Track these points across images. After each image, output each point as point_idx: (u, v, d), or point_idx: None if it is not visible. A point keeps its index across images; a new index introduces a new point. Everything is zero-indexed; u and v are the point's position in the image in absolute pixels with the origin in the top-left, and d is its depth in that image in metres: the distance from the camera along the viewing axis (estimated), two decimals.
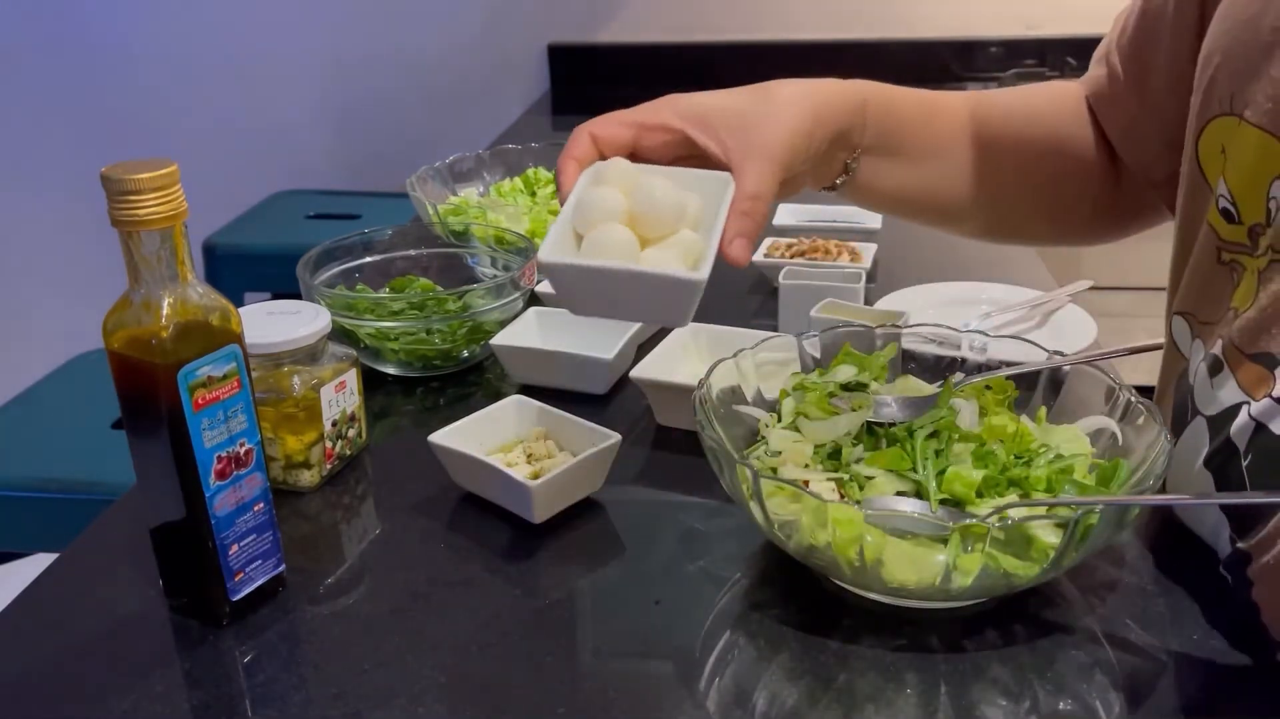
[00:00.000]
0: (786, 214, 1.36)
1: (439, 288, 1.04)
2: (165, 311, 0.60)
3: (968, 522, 0.59)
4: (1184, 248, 0.71)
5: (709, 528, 0.75)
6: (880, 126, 0.77)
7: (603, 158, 0.68)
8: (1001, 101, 0.85)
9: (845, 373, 0.76)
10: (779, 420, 0.75)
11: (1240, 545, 0.62)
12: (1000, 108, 0.85)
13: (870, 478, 0.67)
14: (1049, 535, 0.60)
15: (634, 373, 0.88)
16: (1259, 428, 0.61)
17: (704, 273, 0.61)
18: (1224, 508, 0.65)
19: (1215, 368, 0.64)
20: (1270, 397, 0.60)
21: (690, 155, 0.69)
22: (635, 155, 0.69)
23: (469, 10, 2.35)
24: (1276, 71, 0.61)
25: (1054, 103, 0.84)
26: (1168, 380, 0.72)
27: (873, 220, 1.33)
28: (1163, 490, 0.64)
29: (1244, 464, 0.62)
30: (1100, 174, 0.84)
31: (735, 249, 0.64)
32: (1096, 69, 0.83)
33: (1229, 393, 0.63)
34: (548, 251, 0.62)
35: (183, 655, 0.64)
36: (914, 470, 0.66)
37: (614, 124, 0.69)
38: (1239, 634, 0.62)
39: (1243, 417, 0.62)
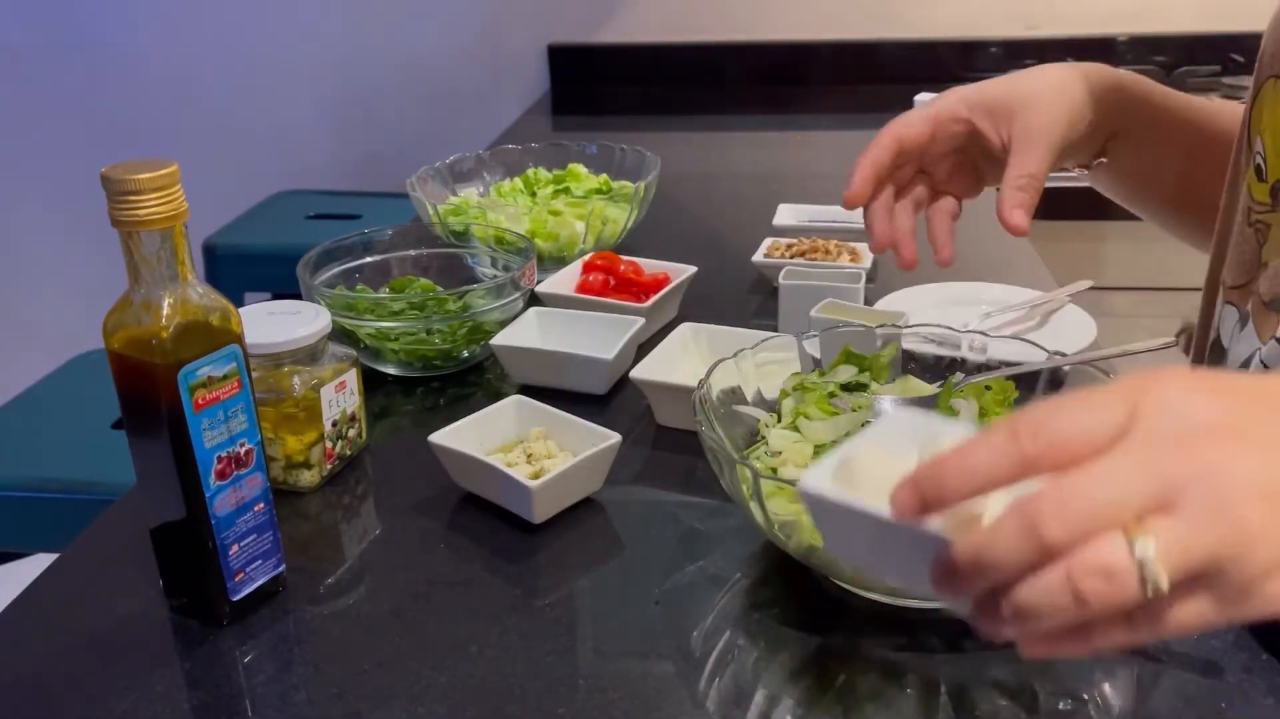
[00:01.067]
0: (786, 214, 1.36)
1: (439, 288, 1.04)
2: (165, 312, 0.60)
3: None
4: (1227, 218, 0.72)
5: (709, 528, 0.75)
6: (1136, 114, 0.81)
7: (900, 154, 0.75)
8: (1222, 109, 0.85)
9: (845, 373, 0.76)
10: (779, 420, 0.75)
11: None
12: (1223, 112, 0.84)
13: None
14: None
15: (634, 373, 0.88)
16: (1264, 370, 0.61)
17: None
18: None
19: (1243, 322, 0.66)
20: (1275, 338, 0.61)
21: (972, 144, 0.77)
22: (929, 146, 0.76)
23: (469, 10, 2.35)
24: None
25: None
26: (1199, 356, 0.73)
27: None
28: None
29: None
30: None
31: (1015, 217, 0.71)
32: None
33: (1247, 344, 0.64)
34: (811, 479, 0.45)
35: (183, 655, 0.64)
36: None
37: (916, 123, 0.74)
38: (1239, 634, 0.62)
39: (1255, 363, 0.63)
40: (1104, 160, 0.82)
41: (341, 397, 0.82)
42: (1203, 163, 0.82)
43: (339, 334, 0.95)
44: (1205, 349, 0.73)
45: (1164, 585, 0.37)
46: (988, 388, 0.74)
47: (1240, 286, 0.68)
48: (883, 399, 0.74)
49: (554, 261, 1.21)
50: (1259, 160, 0.66)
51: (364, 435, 0.86)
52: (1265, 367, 0.62)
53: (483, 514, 0.77)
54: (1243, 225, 0.68)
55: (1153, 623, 0.38)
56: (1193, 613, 0.38)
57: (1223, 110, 0.84)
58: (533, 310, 1.01)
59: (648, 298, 1.06)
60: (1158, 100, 0.82)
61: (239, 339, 0.63)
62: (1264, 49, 0.68)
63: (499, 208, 1.26)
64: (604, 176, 1.38)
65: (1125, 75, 0.80)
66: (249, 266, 2.07)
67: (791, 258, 1.19)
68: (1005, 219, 0.72)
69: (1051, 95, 0.75)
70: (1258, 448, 0.38)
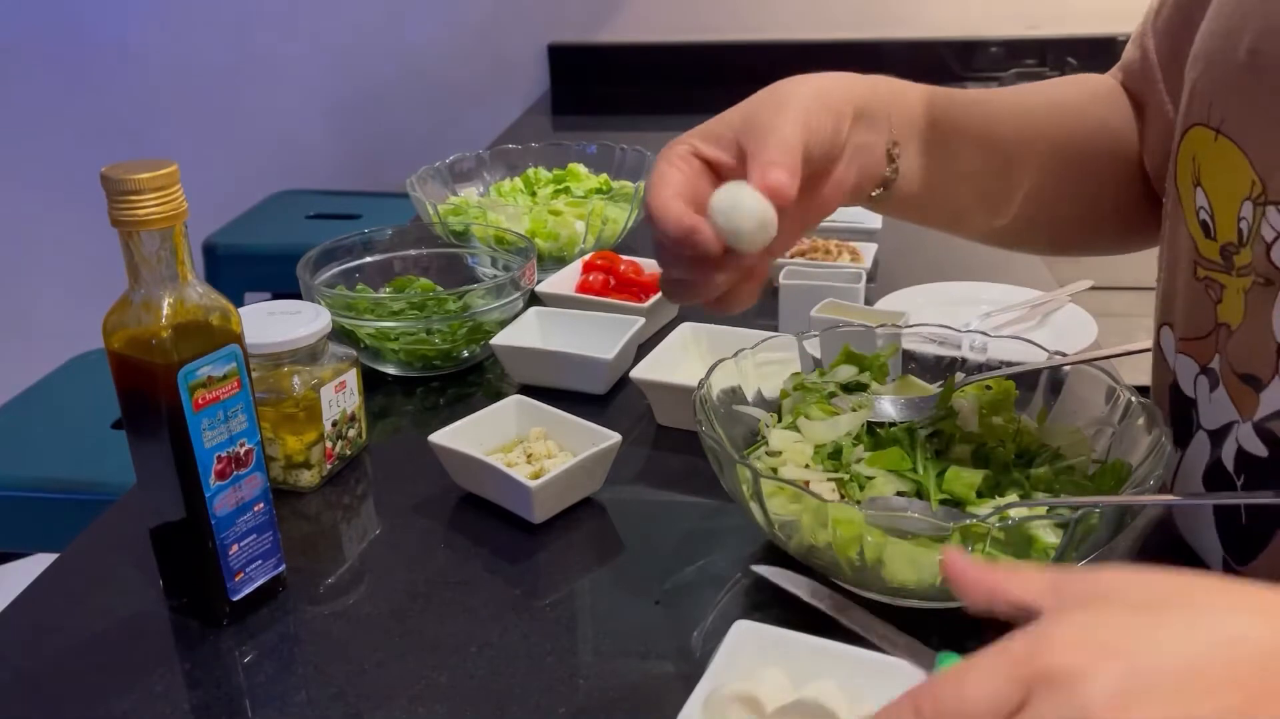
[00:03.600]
0: None
1: (439, 288, 1.04)
2: (165, 311, 0.60)
3: (968, 522, 0.59)
4: (1170, 256, 0.69)
5: (709, 528, 0.75)
6: (909, 113, 0.69)
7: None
8: (1031, 95, 0.77)
9: (845, 373, 0.76)
10: (779, 420, 0.75)
11: (1239, 570, 0.62)
12: (1030, 100, 0.77)
13: (870, 478, 0.67)
14: (1049, 535, 0.60)
15: (634, 373, 0.88)
16: (1243, 451, 0.61)
17: None
18: (1221, 533, 0.64)
19: (1213, 383, 0.64)
20: (1252, 421, 0.60)
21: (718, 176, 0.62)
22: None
23: (469, 10, 2.35)
24: (1250, 92, 0.59)
25: (1092, 94, 0.77)
26: (1159, 388, 0.72)
27: (873, 220, 1.33)
28: (1163, 492, 0.64)
29: (1238, 484, 0.62)
30: (1136, 173, 0.76)
31: (773, 176, 0.56)
32: (1131, 51, 0.77)
33: (1223, 410, 0.62)
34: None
35: (183, 655, 0.64)
36: (914, 470, 0.66)
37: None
38: None
39: (1231, 439, 0.61)
40: (893, 177, 0.68)
41: (341, 396, 0.82)
42: (996, 172, 0.73)
43: (339, 334, 0.95)
44: (1165, 384, 0.69)
45: None
46: (988, 388, 0.74)
47: (1193, 339, 0.65)
48: (883, 399, 0.74)
49: (554, 261, 1.21)
50: (1205, 216, 0.63)
51: (364, 435, 0.86)
52: (1239, 447, 0.60)
53: (483, 514, 0.77)
54: (1188, 274, 0.65)
55: None
56: None
57: (1002, 110, 0.74)
58: (533, 310, 1.01)
59: (648, 298, 1.06)
60: (940, 105, 0.71)
61: (239, 339, 0.63)
62: (1190, 90, 0.64)
63: (499, 208, 1.26)
64: (604, 176, 1.38)
65: (881, 77, 0.69)
66: (249, 266, 2.07)
67: (791, 258, 1.19)
68: (765, 184, 0.56)
69: (778, 95, 0.64)
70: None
